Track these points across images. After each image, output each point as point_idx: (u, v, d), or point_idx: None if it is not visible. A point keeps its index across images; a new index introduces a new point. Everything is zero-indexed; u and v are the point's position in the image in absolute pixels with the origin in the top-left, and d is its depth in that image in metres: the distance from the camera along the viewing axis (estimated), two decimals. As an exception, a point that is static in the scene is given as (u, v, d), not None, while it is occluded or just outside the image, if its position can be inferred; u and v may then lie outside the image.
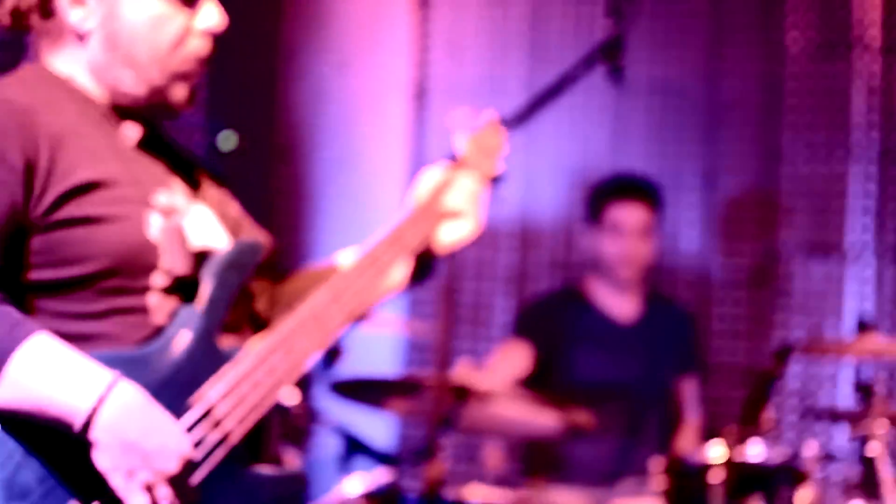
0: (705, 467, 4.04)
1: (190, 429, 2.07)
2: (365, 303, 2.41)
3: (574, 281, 5.07)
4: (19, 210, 2.05)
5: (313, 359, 2.29)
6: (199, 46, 2.26)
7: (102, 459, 1.97)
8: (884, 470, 4.03)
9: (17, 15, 2.25)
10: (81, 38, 2.22)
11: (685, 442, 4.84)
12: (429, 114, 5.64)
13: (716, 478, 4.01)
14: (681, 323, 5.02)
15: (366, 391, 4.27)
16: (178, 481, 2.01)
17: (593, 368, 4.83)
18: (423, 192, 2.65)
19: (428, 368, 5.44)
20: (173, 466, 1.99)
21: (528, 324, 4.95)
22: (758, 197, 5.41)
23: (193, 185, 2.33)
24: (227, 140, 2.62)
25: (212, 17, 2.27)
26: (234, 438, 2.13)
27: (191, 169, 2.36)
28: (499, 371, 4.69)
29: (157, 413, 2.01)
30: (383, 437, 5.27)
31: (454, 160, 2.76)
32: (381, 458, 4.41)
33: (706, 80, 5.51)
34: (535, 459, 4.78)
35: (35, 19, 2.24)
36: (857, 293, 5.21)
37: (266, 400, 2.17)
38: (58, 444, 2.00)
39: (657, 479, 4.16)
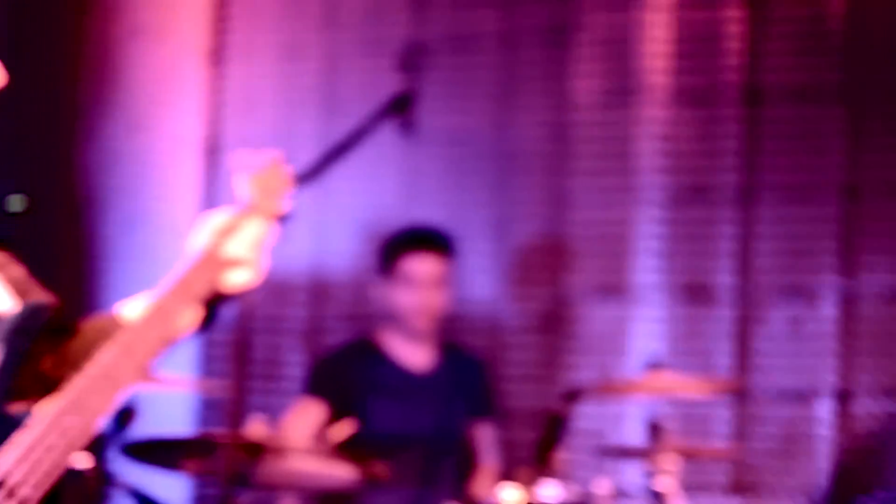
0: None
1: None
2: (153, 354, 2.39)
3: (367, 333, 5.07)
4: None
5: (106, 418, 2.26)
6: None
7: None
8: (674, 503, 4.15)
9: None
10: None
11: (482, 487, 4.88)
12: (222, 170, 5.63)
13: None
14: (474, 370, 5.06)
15: (159, 452, 4.20)
16: None
17: (389, 419, 4.84)
18: (206, 237, 2.64)
19: (222, 426, 5.44)
20: None
21: (322, 378, 4.93)
22: (546, 242, 5.50)
23: None
24: (16, 202, 2.61)
25: None
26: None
27: None
28: (294, 428, 4.68)
29: None
30: (178, 498, 5.22)
31: (238, 204, 2.76)
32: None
33: (497, 130, 5.60)
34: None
35: None
36: (646, 333, 5.33)
37: (60, 463, 2.15)
38: None
39: None
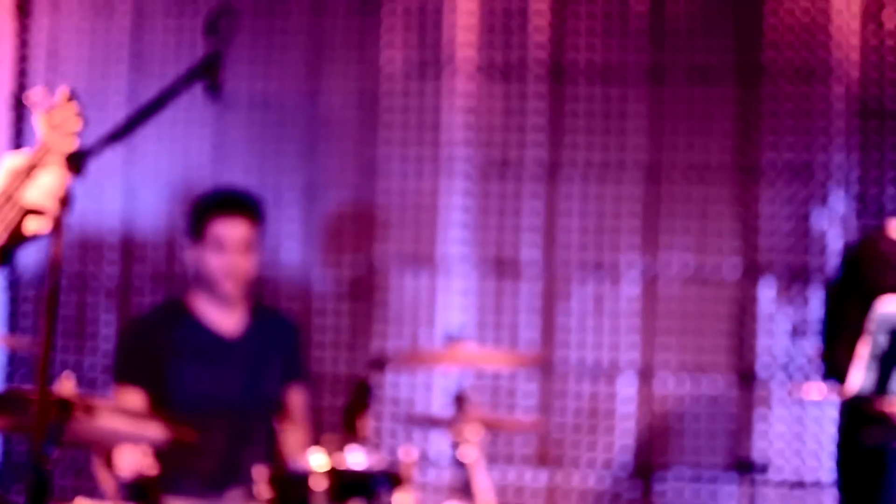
0: (307, 475, 4.12)
1: None
2: None
3: (177, 294, 5.06)
4: None
5: None
6: None
7: None
8: (477, 472, 4.23)
9: None
10: None
11: (294, 450, 4.91)
12: (27, 125, 5.53)
13: (318, 485, 4.10)
14: (286, 333, 5.06)
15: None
16: None
17: (199, 382, 4.82)
18: (2, 180, 2.67)
19: (30, 383, 5.35)
20: None
21: (129, 360, 4.89)
22: (356, 210, 5.54)
23: None
24: None
25: None
26: None
27: None
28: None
29: None
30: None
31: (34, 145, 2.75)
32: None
33: (305, 97, 5.62)
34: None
35: None
36: (454, 305, 5.41)
37: None
38: None
39: (262, 487, 4.20)
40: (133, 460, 4.38)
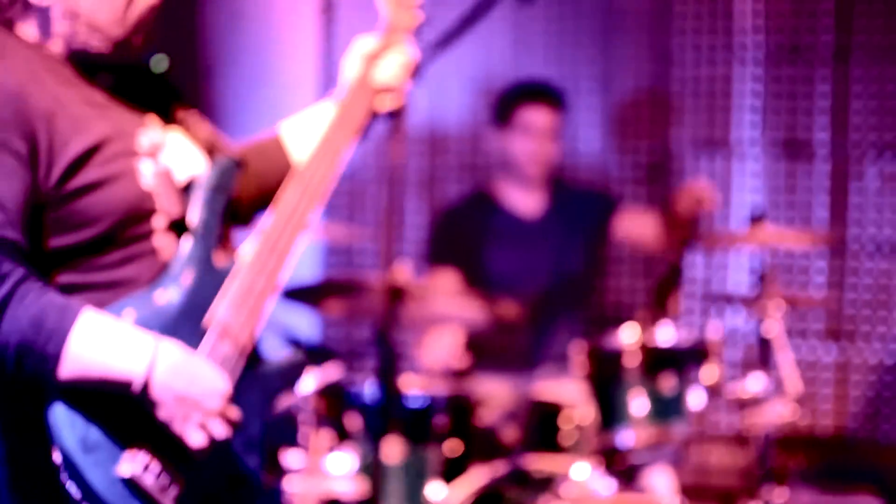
0: (621, 351, 4.35)
1: (212, 352, 2.34)
2: (327, 187, 2.60)
3: (482, 184, 5.31)
4: (31, 191, 2.26)
5: (296, 253, 2.50)
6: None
7: (161, 413, 2.26)
8: (780, 347, 4.35)
9: None
10: (43, 13, 2.39)
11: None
12: (337, 27, 5.79)
13: (631, 361, 4.33)
14: (589, 206, 5.24)
15: (302, 294, 4.46)
16: (223, 413, 2.30)
17: (506, 264, 5.09)
18: (356, 65, 2.79)
19: (348, 271, 5.68)
20: (218, 404, 2.29)
21: (442, 228, 5.22)
22: (651, 98, 5.69)
23: (164, 115, 2.52)
24: (159, 62, 2.79)
25: None
26: (247, 345, 2.39)
27: (158, 99, 2.54)
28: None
29: (197, 362, 2.29)
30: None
31: (379, 28, 2.85)
32: (325, 356, 4.57)
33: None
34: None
35: None
36: (747, 187, 5.54)
37: (264, 302, 2.42)
38: (118, 405, 2.26)
39: (578, 363, 4.45)
40: (447, 344, 4.68)
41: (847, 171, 5.42)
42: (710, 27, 5.59)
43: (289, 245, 2.48)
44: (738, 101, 5.57)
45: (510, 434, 4.60)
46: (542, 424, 4.51)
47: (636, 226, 5.16)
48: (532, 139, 5.06)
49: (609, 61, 5.71)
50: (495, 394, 4.80)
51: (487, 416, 4.63)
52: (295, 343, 3.92)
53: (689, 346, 4.40)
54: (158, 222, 2.38)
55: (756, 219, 4.51)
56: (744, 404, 4.31)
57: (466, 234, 5.12)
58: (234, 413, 2.33)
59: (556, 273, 5.11)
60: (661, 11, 5.63)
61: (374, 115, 2.79)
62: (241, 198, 2.61)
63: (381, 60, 2.78)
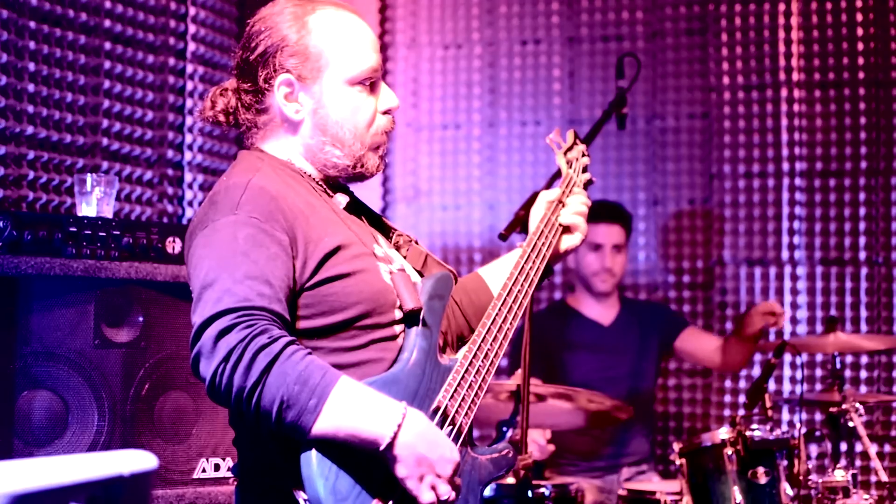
0: (720, 447, 4.45)
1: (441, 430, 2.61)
2: (522, 312, 2.92)
3: (563, 297, 5.63)
4: (293, 277, 2.55)
5: (500, 360, 2.82)
6: (385, 123, 2.82)
7: (400, 470, 2.49)
8: (862, 441, 4.56)
9: (228, 114, 2.80)
10: (293, 127, 2.75)
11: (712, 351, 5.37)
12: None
13: (729, 455, 4.43)
14: (653, 313, 5.57)
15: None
16: (451, 480, 2.56)
17: (585, 366, 5.36)
18: (543, 210, 3.13)
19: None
20: (450, 471, 2.55)
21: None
22: (693, 219, 6.10)
23: (385, 235, 2.88)
24: None
25: (390, 99, 2.83)
26: (465, 430, 2.69)
27: (378, 220, 2.91)
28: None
29: (436, 431, 2.56)
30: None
31: (560, 180, 3.21)
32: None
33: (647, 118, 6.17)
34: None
35: (246, 116, 2.77)
36: (797, 299, 5.86)
37: (478, 396, 2.72)
38: (361, 460, 2.50)
39: (677, 459, 4.56)
40: (539, 441, 4.86)
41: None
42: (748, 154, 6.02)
43: (498, 352, 2.80)
44: (781, 219, 5.97)
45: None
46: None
47: (700, 345, 5.45)
48: (602, 254, 5.40)
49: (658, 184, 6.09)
50: (587, 488, 4.99)
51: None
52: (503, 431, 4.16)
53: (779, 441, 4.49)
54: (397, 314, 2.68)
55: (830, 325, 4.82)
56: (831, 495, 4.45)
57: (548, 339, 5.36)
58: (460, 483, 2.60)
59: (630, 373, 5.38)
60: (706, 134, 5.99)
61: (557, 253, 3.12)
62: (454, 314, 2.98)
63: (562, 206, 3.12)
